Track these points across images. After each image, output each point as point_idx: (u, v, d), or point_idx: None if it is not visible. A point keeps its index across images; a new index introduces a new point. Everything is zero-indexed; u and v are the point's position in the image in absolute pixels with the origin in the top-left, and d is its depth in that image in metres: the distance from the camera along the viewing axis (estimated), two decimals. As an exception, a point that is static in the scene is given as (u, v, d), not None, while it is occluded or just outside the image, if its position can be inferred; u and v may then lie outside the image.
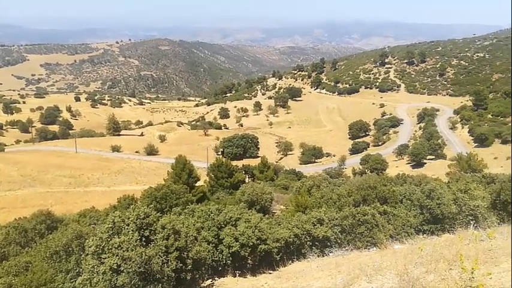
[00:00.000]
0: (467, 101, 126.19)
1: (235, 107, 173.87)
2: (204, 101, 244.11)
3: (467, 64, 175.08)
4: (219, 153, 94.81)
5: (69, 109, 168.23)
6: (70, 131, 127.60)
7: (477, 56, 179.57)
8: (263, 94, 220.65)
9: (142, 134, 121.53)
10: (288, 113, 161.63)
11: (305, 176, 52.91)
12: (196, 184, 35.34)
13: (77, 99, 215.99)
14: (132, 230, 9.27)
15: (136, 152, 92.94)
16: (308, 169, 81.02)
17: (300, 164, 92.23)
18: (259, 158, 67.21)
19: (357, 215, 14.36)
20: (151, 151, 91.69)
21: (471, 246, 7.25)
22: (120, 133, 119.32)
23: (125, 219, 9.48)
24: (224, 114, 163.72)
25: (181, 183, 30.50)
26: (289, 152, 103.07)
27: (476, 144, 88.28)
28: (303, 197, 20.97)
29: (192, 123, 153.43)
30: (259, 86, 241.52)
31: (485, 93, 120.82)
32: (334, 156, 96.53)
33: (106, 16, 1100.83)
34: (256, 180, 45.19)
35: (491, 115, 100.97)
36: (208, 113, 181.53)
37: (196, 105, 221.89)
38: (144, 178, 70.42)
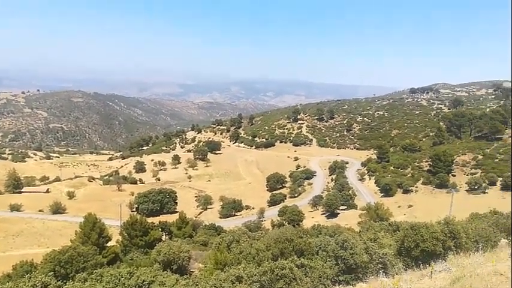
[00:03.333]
0: (372, 154, 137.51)
1: (152, 160, 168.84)
2: (118, 154, 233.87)
3: (370, 121, 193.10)
4: (134, 209, 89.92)
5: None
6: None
7: (378, 113, 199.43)
8: (182, 147, 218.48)
9: (48, 191, 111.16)
10: (207, 166, 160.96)
11: (225, 230, 51.98)
12: (108, 244, 32.77)
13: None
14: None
15: (40, 210, 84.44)
16: (228, 223, 79.94)
17: (220, 217, 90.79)
18: (178, 213, 64.94)
19: (275, 270, 14.24)
20: (57, 209, 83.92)
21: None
22: (22, 190, 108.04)
23: (17, 291, 8.29)
24: (140, 168, 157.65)
25: (91, 244, 28.05)
26: (209, 206, 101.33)
27: (382, 194, 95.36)
28: (222, 254, 20.40)
29: (105, 177, 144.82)
30: (178, 139, 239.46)
31: (386, 147, 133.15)
32: (253, 208, 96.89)
33: (12, 65, 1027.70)
34: (173, 238, 43.28)
35: (393, 167, 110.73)
36: (122, 166, 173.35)
37: (110, 159, 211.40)
38: (48, 240, 63.66)
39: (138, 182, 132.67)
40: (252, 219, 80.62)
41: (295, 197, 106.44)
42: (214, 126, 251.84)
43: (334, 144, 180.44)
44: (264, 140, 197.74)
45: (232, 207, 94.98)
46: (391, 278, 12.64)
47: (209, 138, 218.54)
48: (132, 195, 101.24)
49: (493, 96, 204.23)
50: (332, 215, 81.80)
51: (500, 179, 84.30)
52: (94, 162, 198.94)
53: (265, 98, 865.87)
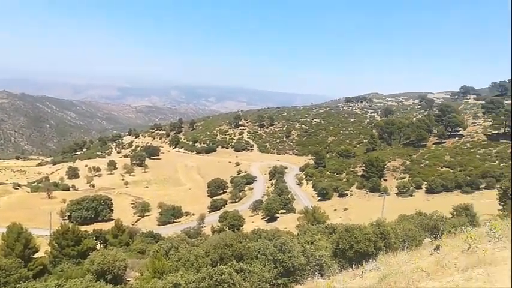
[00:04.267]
0: (310, 159, 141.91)
1: (86, 165, 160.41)
2: (49, 159, 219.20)
3: (307, 128, 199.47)
4: (66, 218, 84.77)
5: None
6: None
7: (315, 121, 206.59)
8: (118, 152, 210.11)
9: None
10: (145, 172, 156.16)
11: (163, 237, 50.75)
12: (35, 256, 30.50)
13: None
14: None
15: (-45, 221, 76.48)
16: (167, 230, 78.18)
17: (159, 224, 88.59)
18: (114, 221, 62.27)
19: (214, 275, 14.18)
20: (-25, 220, 76.57)
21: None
22: None
23: None
24: (73, 173, 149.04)
25: (15, 257, 25.95)
26: (147, 213, 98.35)
27: (319, 198, 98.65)
28: (159, 261, 19.88)
29: (33, 184, 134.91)
30: (114, 144, 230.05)
31: (323, 153, 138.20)
32: (193, 214, 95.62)
33: None
34: (109, 246, 41.39)
35: (329, 172, 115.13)
36: (53, 172, 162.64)
37: (39, 165, 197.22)
38: (-36, 254, 57.67)
39: (71, 189, 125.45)
40: (192, 226, 79.53)
41: (236, 202, 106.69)
42: (153, 130, 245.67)
43: (274, 150, 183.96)
44: (205, 145, 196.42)
45: (171, 214, 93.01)
46: (327, 279, 13.08)
47: (147, 143, 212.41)
48: (64, 202, 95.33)
49: (419, 107, 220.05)
50: (272, 219, 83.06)
51: (425, 182, 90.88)
52: (21, 168, 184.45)
53: (207, 103, 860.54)
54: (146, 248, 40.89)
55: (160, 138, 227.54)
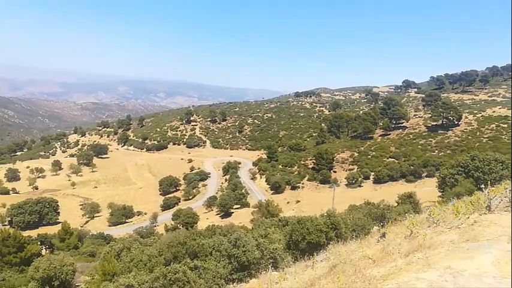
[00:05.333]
0: (263, 154, 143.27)
1: (28, 167, 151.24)
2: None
3: (260, 123, 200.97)
4: (6, 223, 79.78)
5: None
6: None
7: (266, 116, 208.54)
8: (63, 152, 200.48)
9: None
10: (93, 171, 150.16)
11: (115, 239, 49.33)
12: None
13: None
14: None
15: None
16: (118, 231, 76.21)
17: (110, 225, 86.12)
18: (60, 224, 59.49)
19: (168, 275, 13.97)
20: None
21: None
22: None
23: None
24: (13, 176, 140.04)
25: None
26: (97, 214, 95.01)
27: (272, 191, 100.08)
28: (110, 263, 19.26)
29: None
30: (59, 143, 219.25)
31: (275, 147, 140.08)
32: (145, 214, 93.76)
33: None
34: (56, 251, 39.51)
35: (282, 166, 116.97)
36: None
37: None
38: None
39: (11, 192, 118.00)
40: (145, 225, 78.20)
41: (189, 199, 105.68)
42: (100, 128, 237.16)
43: (227, 146, 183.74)
44: (155, 142, 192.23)
45: (122, 214, 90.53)
46: (281, 271, 13.32)
47: (95, 141, 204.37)
48: (4, 207, 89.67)
49: (365, 100, 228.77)
50: (226, 214, 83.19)
51: (373, 173, 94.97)
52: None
53: (156, 99, 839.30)
54: (96, 251, 39.53)
55: (108, 136, 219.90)
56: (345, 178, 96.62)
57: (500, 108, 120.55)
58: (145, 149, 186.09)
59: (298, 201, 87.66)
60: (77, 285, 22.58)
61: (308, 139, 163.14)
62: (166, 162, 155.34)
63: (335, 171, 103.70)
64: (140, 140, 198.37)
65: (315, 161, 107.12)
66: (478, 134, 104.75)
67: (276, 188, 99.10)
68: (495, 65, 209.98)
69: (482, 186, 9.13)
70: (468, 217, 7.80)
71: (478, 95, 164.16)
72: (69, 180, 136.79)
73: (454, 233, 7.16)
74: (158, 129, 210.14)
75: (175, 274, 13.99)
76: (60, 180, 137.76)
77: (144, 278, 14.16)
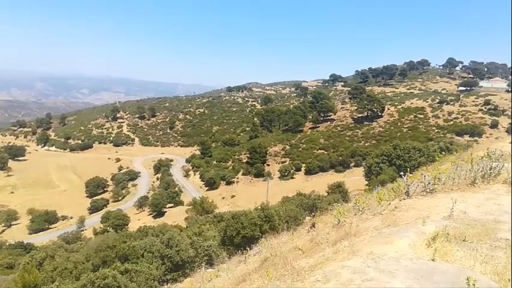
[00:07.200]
0: (196, 150, 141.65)
1: None
2: None
3: (192, 118, 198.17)
4: None
5: None
6: None
7: (199, 111, 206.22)
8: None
9: None
10: (9, 175, 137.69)
11: (36, 247, 45.84)
12: None
13: None
14: None
15: None
16: (41, 238, 71.07)
17: (30, 233, 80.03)
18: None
19: (97, 281, 13.26)
20: None
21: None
22: None
23: None
24: None
25: None
26: (14, 222, 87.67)
27: (207, 188, 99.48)
28: (31, 274, 17.80)
29: None
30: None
31: (208, 142, 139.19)
32: (71, 218, 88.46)
33: None
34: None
35: (216, 161, 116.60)
36: None
37: None
38: None
39: None
40: (71, 230, 73.78)
41: (119, 200, 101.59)
42: (16, 128, 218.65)
43: (158, 143, 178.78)
44: (79, 141, 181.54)
45: (44, 220, 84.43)
46: (216, 268, 13.24)
47: (9, 142, 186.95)
48: None
49: (294, 95, 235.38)
50: (159, 214, 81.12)
51: (304, 165, 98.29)
52: None
53: (79, 96, 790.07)
54: (15, 262, 36.45)
55: (25, 137, 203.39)
56: (278, 171, 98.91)
57: (417, 100, 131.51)
58: (68, 149, 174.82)
59: (233, 196, 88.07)
60: (-7, 302, 20.60)
61: (241, 134, 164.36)
62: (92, 162, 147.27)
63: (268, 165, 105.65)
64: (63, 140, 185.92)
65: (248, 155, 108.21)
66: (399, 124, 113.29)
67: (211, 184, 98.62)
68: (411, 59, 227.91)
69: (401, 173, 9.79)
70: (390, 203, 8.31)
71: (398, 88, 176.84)
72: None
73: (377, 220, 7.59)
74: (82, 128, 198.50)
75: (105, 280, 13.32)
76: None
77: (69, 287, 13.29)
